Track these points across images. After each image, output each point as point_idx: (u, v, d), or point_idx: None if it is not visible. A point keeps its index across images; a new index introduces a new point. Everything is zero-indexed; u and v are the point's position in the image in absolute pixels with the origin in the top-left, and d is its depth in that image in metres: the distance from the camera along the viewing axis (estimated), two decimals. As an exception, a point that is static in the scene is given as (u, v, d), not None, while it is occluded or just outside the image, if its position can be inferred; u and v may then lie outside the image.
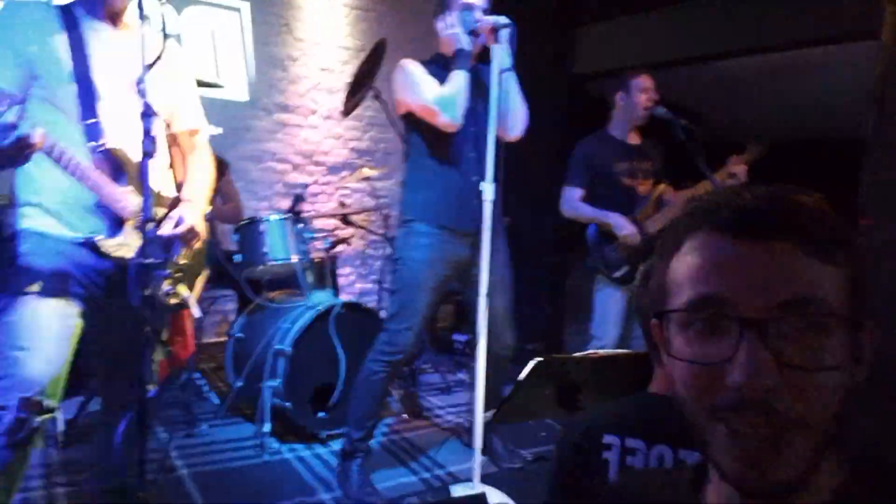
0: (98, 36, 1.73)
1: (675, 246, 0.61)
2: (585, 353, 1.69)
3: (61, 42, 1.66)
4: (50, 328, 1.66)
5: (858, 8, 2.65)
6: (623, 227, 2.89)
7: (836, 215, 0.56)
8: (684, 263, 0.59)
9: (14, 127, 1.38)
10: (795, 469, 0.53)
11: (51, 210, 1.70)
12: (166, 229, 1.78)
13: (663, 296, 0.61)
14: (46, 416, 1.65)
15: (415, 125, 2.43)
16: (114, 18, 1.76)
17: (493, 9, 2.41)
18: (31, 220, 1.70)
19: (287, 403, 2.75)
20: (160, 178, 1.83)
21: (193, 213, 1.85)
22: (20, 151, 1.42)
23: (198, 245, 1.95)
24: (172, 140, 1.98)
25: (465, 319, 2.76)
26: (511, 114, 2.36)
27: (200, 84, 2.16)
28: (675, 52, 3.51)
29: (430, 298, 2.43)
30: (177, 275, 1.88)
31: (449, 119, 2.29)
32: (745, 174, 2.84)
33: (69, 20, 1.69)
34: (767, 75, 4.23)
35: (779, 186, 0.58)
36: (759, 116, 5.02)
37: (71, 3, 1.75)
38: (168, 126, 1.94)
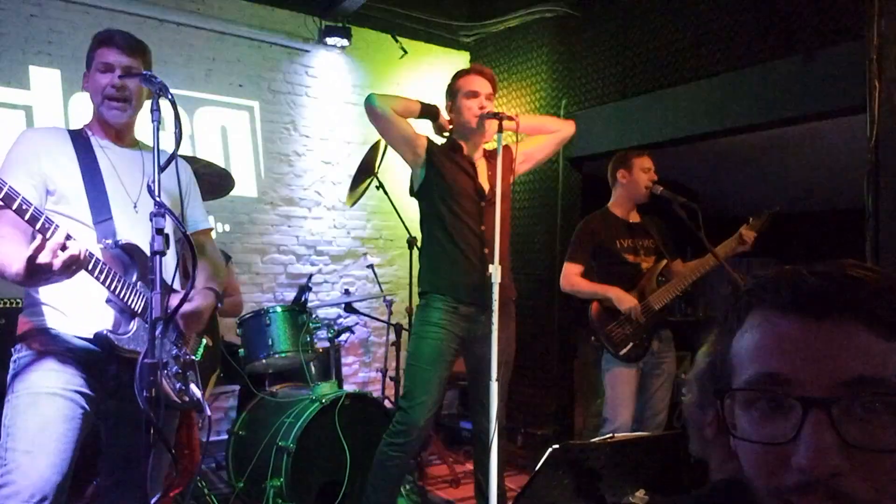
0: (105, 153, 1.83)
1: (736, 323, 0.60)
2: (603, 437, 1.62)
3: (72, 159, 1.76)
4: (56, 431, 1.60)
5: (848, 84, 2.75)
6: (623, 300, 2.86)
7: None
8: (746, 341, 0.59)
9: (65, 247, 1.45)
10: None
11: (60, 308, 1.70)
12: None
13: (725, 374, 0.60)
14: None
15: (427, 202, 2.55)
16: (118, 137, 1.88)
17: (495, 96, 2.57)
18: (41, 318, 1.70)
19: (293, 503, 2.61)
20: (170, 274, 1.83)
21: (203, 300, 1.86)
22: (68, 268, 1.48)
23: (209, 342, 1.95)
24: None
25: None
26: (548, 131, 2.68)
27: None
28: (668, 132, 3.61)
29: (443, 373, 2.46)
30: (188, 372, 1.85)
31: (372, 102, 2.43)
32: (753, 242, 2.87)
33: (80, 141, 1.81)
34: (765, 150, 4.32)
35: (839, 262, 0.58)
36: (759, 190, 5.10)
37: (83, 127, 1.88)
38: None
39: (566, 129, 2.74)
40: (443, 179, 2.49)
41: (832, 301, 0.54)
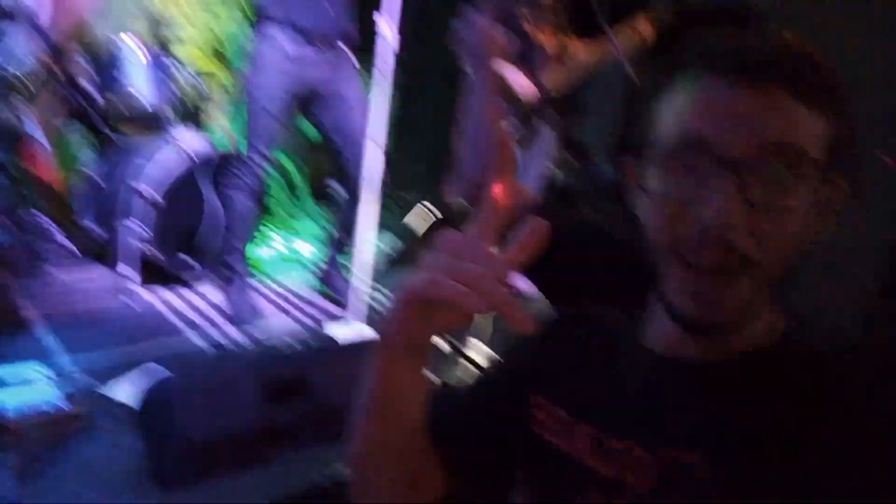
0: None
1: (663, 83, 0.59)
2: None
3: None
4: None
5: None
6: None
7: (826, 63, 0.55)
8: (672, 102, 0.57)
9: None
10: (739, 306, 0.55)
11: None
12: None
13: (643, 133, 0.60)
14: None
15: None
16: None
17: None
18: None
19: (146, 244, 2.58)
20: None
21: None
22: None
23: None
24: None
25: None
26: None
27: None
28: None
29: (280, 125, 2.43)
30: None
31: None
32: (650, 35, 2.79)
33: None
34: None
35: (780, 31, 0.57)
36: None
37: None
38: None
39: None
40: None
41: (767, 67, 0.54)
